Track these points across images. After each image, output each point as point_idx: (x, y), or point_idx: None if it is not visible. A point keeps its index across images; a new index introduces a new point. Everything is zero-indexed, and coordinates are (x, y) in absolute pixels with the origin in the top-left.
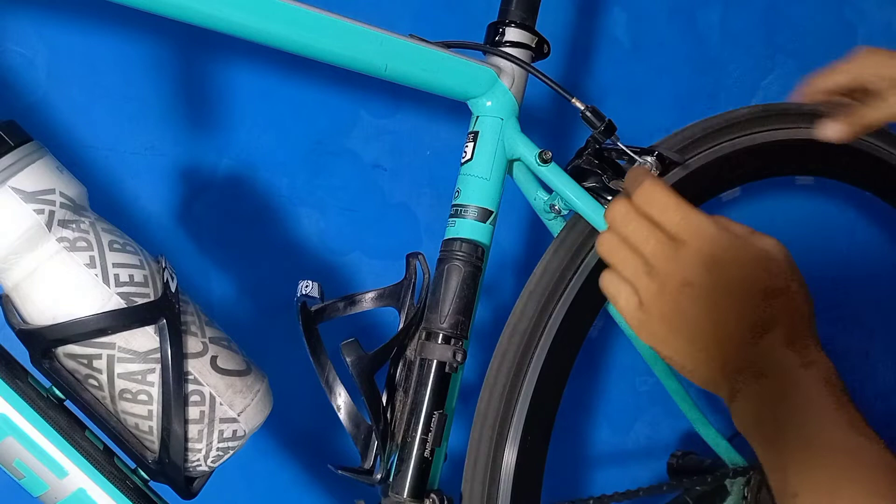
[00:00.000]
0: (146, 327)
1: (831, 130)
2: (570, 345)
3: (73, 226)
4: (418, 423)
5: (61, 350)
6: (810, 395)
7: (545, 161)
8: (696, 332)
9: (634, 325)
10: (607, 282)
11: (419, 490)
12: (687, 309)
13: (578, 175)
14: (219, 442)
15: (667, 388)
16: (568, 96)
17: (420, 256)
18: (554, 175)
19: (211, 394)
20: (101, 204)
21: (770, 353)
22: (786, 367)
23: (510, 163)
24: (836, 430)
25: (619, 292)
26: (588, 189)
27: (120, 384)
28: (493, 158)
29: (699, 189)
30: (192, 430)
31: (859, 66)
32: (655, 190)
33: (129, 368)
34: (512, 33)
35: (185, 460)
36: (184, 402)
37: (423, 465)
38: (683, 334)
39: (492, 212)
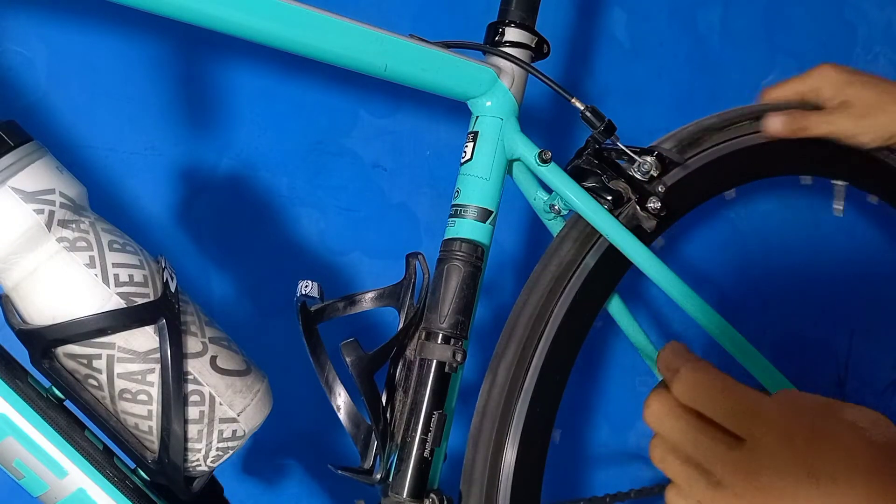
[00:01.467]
0: (146, 327)
1: (772, 123)
2: (570, 345)
3: (73, 226)
4: (418, 422)
5: (61, 350)
6: None
7: (545, 161)
8: None
9: None
10: (671, 498)
11: (419, 490)
12: None
13: (578, 175)
14: (218, 442)
15: None
16: (568, 96)
17: (420, 256)
18: (554, 175)
19: (211, 394)
20: (101, 204)
21: None
22: None
23: (510, 163)
24: None
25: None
26: (588, 189)
27: (120, 384)
28: (493, 158)
29: (700, 189)
30: (192, 430)
31: (818, 80)
32: (696, 378)
33: (128, 368)
34: (512, 33)
35: (185, 460)
36: (183, 402)
37: (423, 465)
38: None
39: (491, 212)
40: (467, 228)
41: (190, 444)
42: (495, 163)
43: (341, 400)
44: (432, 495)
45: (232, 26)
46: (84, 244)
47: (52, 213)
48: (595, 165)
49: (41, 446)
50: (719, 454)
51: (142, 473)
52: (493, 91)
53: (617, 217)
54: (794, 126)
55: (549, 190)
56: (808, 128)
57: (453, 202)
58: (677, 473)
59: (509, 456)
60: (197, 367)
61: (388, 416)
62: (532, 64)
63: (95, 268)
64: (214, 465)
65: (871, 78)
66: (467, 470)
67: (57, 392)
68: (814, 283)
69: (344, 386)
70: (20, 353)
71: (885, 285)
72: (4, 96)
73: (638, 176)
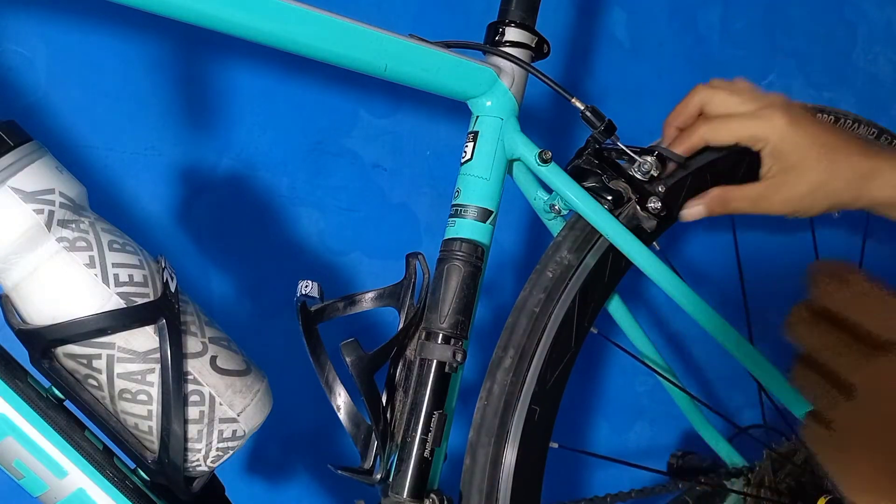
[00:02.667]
0: (146, 327)
1: (693, 214)
2: (571, 344)
3: (73, 226)
4: (418, 422)
5: (61, 350)
6: None
7: (545, 161)
8: None
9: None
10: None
11: (419, 490)
12: None
13: (578, 175)
14: (218, 442)
15: (666, 389)
16: (568, 96)
17: (420, 256)
18: (554, 175)
19: (210, 394)
20: (101, 204)
21: None
22: None
23: (510, 163)
24: None
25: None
26: (588, 189)
27: (119, 384)
28: (493, 158)
29: (700, 189)
30: (192, 430)
31: (764, 129)
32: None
33: (128, 368)
34: (512, 33)
35: (185, 460)
36: (183, 402)
37: (423, 465)
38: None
39: (492, 212)
40: (467, 228)
41: (190, 444)
42: (495, 163)
43: (341, 400)
44: (432, 495)
45: (232, 26)
46: (84, 244)
47: (51, 213)
48: (595, 165)
49: (41, 446)
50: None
51: (142, 473)
52: (493, 91)
53: (617, 217)
54: (691, 145)
55: (549, 190)
56: (702, 140)
57: (453, 202)
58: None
59: (509, 456)
60: (197, 367)
61: (388, 416)
62: (532, 64)
63: (95, 268)
64: (214, 465)
65: (823, 133)
66: (467, 470)
67: (57, 392)
68: None
69: (344, 386)
70: (20, 353)
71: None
72: (4, 96)
73: (638, 176)
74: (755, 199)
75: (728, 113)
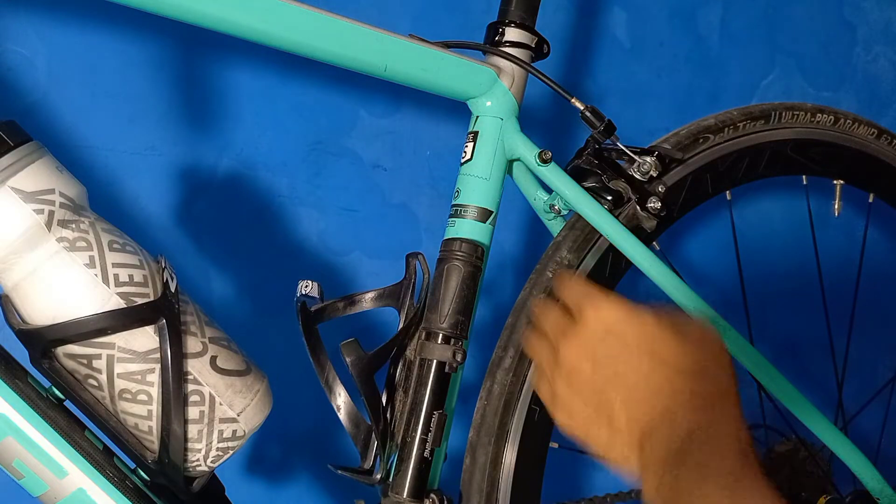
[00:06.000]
0: (146, 327)
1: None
2: None
3: (73, 226)
4: (418, 422)
5: (61, 350)
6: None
7: (545, 161)
8: (596, 403)
9: (548, 407)
10: (535, 380)
11: (419, 490)
12: (586, 381)
13: (578, 175)
14: (218, 442)
15: None
16: (568, 96)
17: (420, 256)
18: (554, 175)
19: (211, 394)
20: (101, 204)
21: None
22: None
23: (510, 163)
24: None
25: (538, 385)
26: (588, 189)
27: (119, 384)
28: (493, 158)
29: (700, 188)
30: (192, 430)
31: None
32: (569, 279)
33: (128, 368)
34: (512, 33)
35: (185, 460)
36: (183, 402)
37: (423, 465)
38: (581, 409)
39: (491, 212)
40: (467, 228)
41: (190, 444)
42: (495, 163)
43: (341, 400)
44: (432, 495)
45: (232, 26)
46: (84, 244)
47: (51, 213)
48: (595, 165)
49: (41, 446)
50: (559, 328)
51: (142, 473)
52: (493, 91)
53: (617, 217)
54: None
55: (549, 190)
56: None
57: (453, 202)
58: (534, 348)
59: (509, 456)
60: (197, 367)
61: (388, 416)
62: (532, 64)
63: (95, 268)
64: (214, 465)
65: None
66: (467, 470)
67: (57, 392)
68: (814, 283)
69: (344, 386)
70: (20, 353)
71: (885, 285)
72: (4, 96)
73: (638, 176)
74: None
75: None
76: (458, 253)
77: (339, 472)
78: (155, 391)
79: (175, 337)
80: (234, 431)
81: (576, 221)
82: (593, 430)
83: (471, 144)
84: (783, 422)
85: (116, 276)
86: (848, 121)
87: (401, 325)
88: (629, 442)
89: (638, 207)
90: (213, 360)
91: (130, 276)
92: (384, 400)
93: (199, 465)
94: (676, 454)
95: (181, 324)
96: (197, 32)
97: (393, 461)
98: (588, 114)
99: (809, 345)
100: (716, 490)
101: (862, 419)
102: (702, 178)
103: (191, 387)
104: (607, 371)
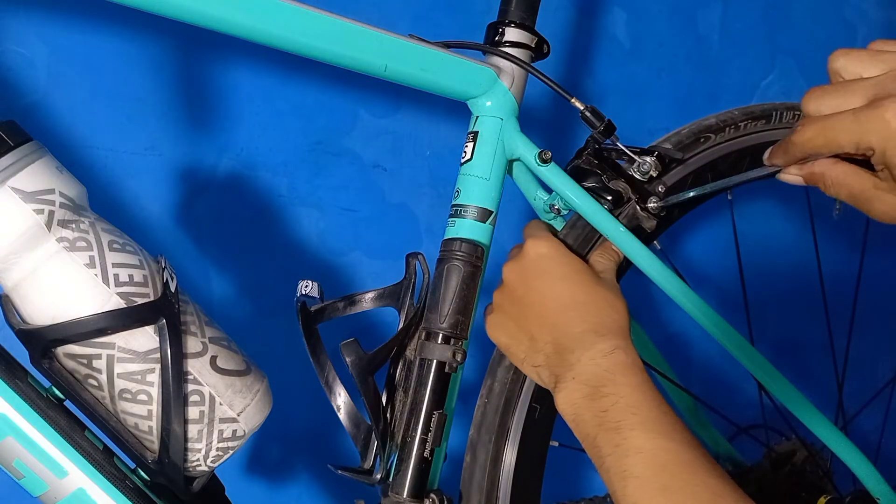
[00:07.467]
0: (146, 327)
1: (786, 176)
2: None
3: (73, 226)
4: (418, 422)
5: (61, 350)
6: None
7: (545, 161)
8: (518, 318)
9: (485, 318)
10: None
11: (419, 490)
12: (516, 299)
13: (578, 175)
14: (218, 442)
15: (665, 389)
16: (567, 96)
17: (420, 256)
18: (554, 175)
19: (211, 394)
20: (101, 204)
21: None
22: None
23: (510, 163)
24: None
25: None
26: (588, 189)
27: (119, 384)
28: (493, 158)
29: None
30: (192, 430)
31: (881, 139)
32: (531, 223)
33: (128, 368)
34: (512, 33)
35: (185, 460)
36: (183, 402)
37: (423, 465)
38: (507, 322)
39: (491, 212)
40: (467, 228)
41: (190, 444)
42: (495, 163)
43: (341, 400)
44: (432, 495)
45: (232, 26)
46: (84, 244)
47: (51, 213)
48: (595, 165)
49: (41, 446)
50: (509, 260)
51: (142, 473)
52: (493, 91)
53: (617, 217)
54: (813, 183)
55: (549, 190)
56: (829, 190)
57: (453, 202)
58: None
59: (509, 455)
60: (197, 367)
61: (388, 416)
62: (532, 64)
63: (95, 268)
64: (214, 465)
65: None
66: (467, 468)
67: (57, 392)
68: (814, 282)
69: (344, 386)
70: (20, 353)
71: (885, 285)
72: (4, 96)
73: (638, 176)
74: (857, 195)
75: (833, 112)
76: (458, 253)
77: (339, 472)
78: (155, 391)
79: (175, 337)
80: (234, 431)
81: (576, 221)
82: (514, 343)
83: (471, 144)
84: (783, 422)
85: (116, 276)
86: None
87: (401, 325)
88: (544, 357)
89: (638, 207)
90: (213, 360)
91: (130, 276)
92: (384, 400)
93: (199, 465)
94: (582, 370)
95: (181, 324)
96: (197, 32)
97: (393, 461)
98: (588, 114)
99: (809, 345)
100: (615, 400)
101: (862, 419)
102: (702, 178)
103: (191, 387)
104: (533, 294)
